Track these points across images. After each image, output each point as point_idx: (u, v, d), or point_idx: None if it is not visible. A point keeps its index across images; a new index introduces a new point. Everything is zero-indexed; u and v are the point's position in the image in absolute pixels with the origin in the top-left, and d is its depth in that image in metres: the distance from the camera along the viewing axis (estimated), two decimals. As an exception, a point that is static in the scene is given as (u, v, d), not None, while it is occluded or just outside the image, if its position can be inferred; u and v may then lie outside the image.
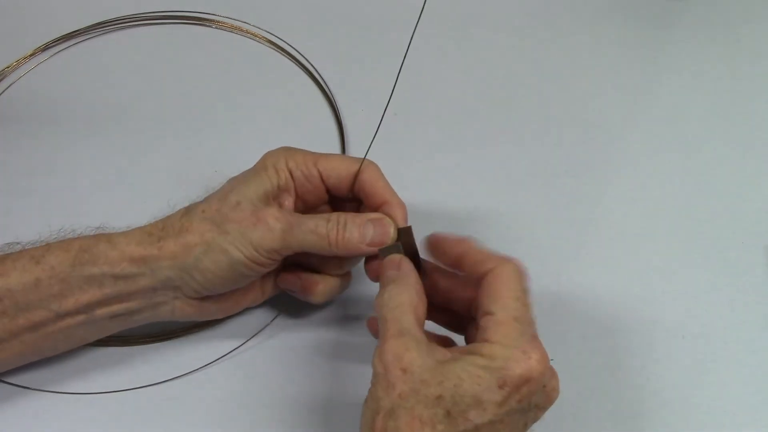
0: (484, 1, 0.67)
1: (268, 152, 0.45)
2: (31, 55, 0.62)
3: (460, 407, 0.35)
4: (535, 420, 0.38)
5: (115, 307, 0.42)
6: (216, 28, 0.64)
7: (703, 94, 0.61)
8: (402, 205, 0.44)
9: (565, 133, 0.59)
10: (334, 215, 0.43)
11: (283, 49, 0.63)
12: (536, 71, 0.62)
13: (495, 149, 0.57)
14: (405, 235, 0.43)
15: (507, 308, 0.37)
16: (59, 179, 0.55)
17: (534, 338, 0.37)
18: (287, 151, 0.45)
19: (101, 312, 0.42)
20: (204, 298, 0.44)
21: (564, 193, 0.56)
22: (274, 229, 0.41)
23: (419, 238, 0.43)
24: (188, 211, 0.43)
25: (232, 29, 0.64)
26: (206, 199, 0.43)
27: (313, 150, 0.53)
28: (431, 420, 0.35)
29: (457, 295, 0.42)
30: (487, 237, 0.51)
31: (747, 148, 0.58)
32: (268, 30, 0.64)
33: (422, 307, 0.39)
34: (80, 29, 0.63)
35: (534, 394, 0.37)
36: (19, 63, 0.61)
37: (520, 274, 0.39)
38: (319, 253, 0.43)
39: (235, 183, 0.43)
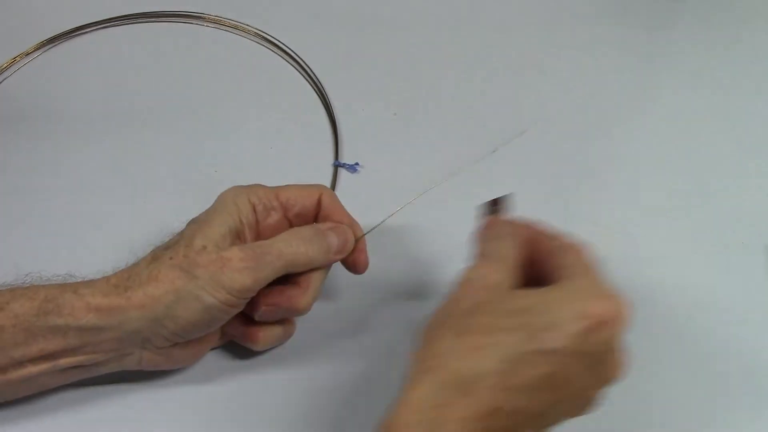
0: (483, 0, 0.67)
1: (227, 190, 0.45)
2: (25, 54, 0.62)
3: (536, 326, 0.34)
4: (587, 397, 0.37)
5: (81, 358, 0.42)
6: (211, 26, 0.64)
7: (703, 94, 0.61)
8: (359, 225, 0.46)
9: (564, 133, 0.59)
10: (294, 232, 0.43)
11: (277, 47, 0.63)
12: (536, 71, 0.62)
13: (495, 149, 0.57)
14: (501, 203, 0.44)
15: (588, 263, 0.38)
16: (57, 179, 0.55)
17: (616, 291, 0.36)
18: (247, 186, 0.45)
19: (65, 361, 0.42)
20: (172, 346, 0.43)
21: (564, 193, 0.56)
22: (243, 269, 0.41)
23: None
24: (155, 258, 0.42)
25: (227, 27, 0.64)
26: (171, 246, 0.42)
27: (307, 148, 0.53)
28: (502, 329, 0.34)
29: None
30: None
31: (747, 148, 0.58)
32: (263, 29, 0.64)
33: (518, 267, 0.39)
34: (72, 28, 0.63)
35: (609, 343, 0.35)
36: (15, 61, 0.61)
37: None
38: (290, 272, 0.43)
39: (199, 226, 0.43)
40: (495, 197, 0.43)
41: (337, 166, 0.57)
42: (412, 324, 0.47)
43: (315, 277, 0.44)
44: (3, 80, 0.61)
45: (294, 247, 0.42)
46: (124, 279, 0.41)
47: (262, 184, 0.46)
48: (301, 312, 0.44)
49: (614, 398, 0.46)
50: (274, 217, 0.45)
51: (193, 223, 0.43)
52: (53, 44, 0.63)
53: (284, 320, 0.46)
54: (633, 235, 0.53)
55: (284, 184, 0.46)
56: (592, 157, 0.57)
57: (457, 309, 0.36)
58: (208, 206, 0.45)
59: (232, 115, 0.59)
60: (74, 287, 0.41)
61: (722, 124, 0.59)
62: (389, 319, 0.49)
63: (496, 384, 0.33)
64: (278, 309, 0.44)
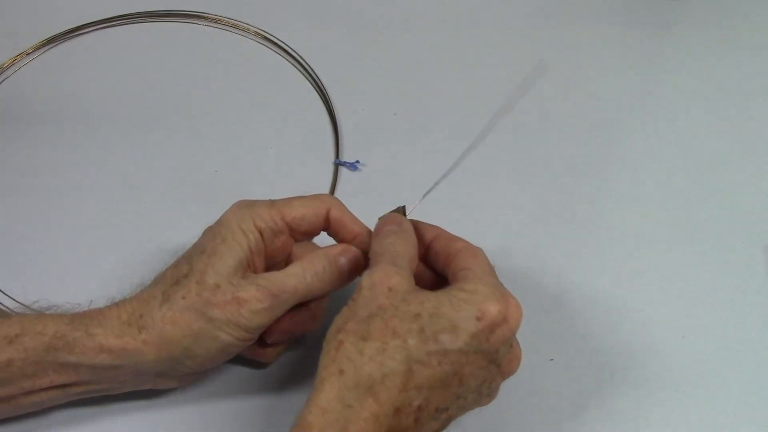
0: (483, 0, 0.67)
1: (230, 213, 0.43)
2: (24, 54, 0.62)
3: (435, 328, 0.36)
4: (489, 388, 0.39)
5: (93, 387, 0.42)
6: (212, 26, 0.64)
7: (703, 94, 0.61)
8: (371, 232, 0.45)
9: (564, 132, 0.59)
10: (308, 264, 0.42)
11: (278, 47, 0.63)
12: (536, 71, 0.62)
13: (494, 149, 0.57)
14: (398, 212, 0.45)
15: (483, 266, 0.40)
16: (57, 179, 0.55)
17: (508, 293, 0.39)
18: (250, 208, 0.43)
19: (77, 389, 0.42)
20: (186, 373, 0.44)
21: (563, 193, 0.56)
22: (260, 310, 0.41)
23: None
24: (167, 298, 0.41)
25: (228, 26, 0.64)
26: (181, 281, 0.41)
27: (307, 148, 0.52)
28: (403, 332, 0.36)
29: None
30: (487, 236, 0.51)
31: (747, 148, 0.58)
32: (264, 28, 0.64)
33: (415, 263, 0.41)
34: (72, 28, 0.63)
35: (504, 342, 0.38)
36: (15, 61, 0.61)
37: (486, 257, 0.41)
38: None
39: (208, 258, 0.41)
40: (391, 209, 0.45)
41: (338, 164, 0.57)
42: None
43: (325, 300, 0.45)
44: (3, 80, 0.61)
45: (308, 281, 0.42)
46: (137, 317, 0.41)
47: (266, 200, 0.44)
48: (312, 331, 0.45)
49: (615, 398, 0.47)
50: (281, 239, 0.44)
51: (202, 254, 0.42)
52: (53, 44, 0.63)
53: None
54: (633, 235, 0.53)
55: (287, 199, 0.44)
56: (592, 157, 0.57)
57: (360, 314, 0.38)
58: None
59: (232, 115, 0.59)
60: (85, 325, 0.41)
61: (722, 124, 0.59)
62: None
63: (401, 384, 0.36)
64: (291, 333, 0.45)
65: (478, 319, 0.37)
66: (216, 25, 0.64)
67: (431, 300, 0.37)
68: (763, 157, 0.57)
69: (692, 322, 0.49)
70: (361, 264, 0.44)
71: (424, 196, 0.48)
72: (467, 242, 0.42)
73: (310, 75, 0.61)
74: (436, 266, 0.43)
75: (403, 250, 0.41)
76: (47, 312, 0.43)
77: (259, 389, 0.46)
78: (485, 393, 0.39)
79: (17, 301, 0.49)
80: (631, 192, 0.55)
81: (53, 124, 0.58)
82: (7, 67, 0.61)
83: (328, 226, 0.44)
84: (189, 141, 0.57)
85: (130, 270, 0.50)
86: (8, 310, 0.49)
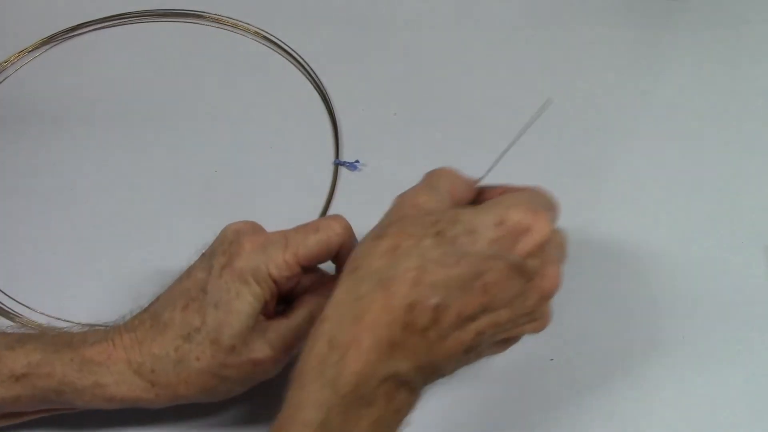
0: (484, 1, 0.67)
1: (244, 260, 0.40)
2: (24, 53, 0.62)
3: (453, 232, 0.35)
4: (525, 306, 0.36)
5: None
6: (212, 25, 0.64)
7: (703, 94, 0.61)
8: None
9: (564, 132, 0.59)
10: (314, 306, 0.41)
11: (278, 46, 0.63)
12: (536, 71, 0.62)
13: (493, 148, 0.57)
14: None
15: (526, 192, 0.38)
16: (57, 178, 0.55)
17: (551, 209, 0.37)
18: (264, 253, 0.40)
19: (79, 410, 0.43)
20: None
21: (563, 193, 0.55)
22: (274, 367, 0.41)
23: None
24: (180, 359, 0.40)
25: (228, 26, 0.64)
26: (194, 339, 0.40)
27: (307, 147, 0.52)
28: (419, 234, 0.35)
29: None
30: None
31: (747, 148, 0.58)
32: (264, 28, 0.64)
33: (458, 197, 0.40)
34: (71, 27, 0.63)
35: (531, 254, 0.35)
36: (14, 60, 0.61)
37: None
38: None
39: (224, 315, 0.40)
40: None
41: (338, 164, 0.57)
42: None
43: None
44: (3, 79, 0.60)
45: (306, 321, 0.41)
46: (148, 370, 0.40)
47: (279, 237, 0.41)
48: None
49: (615, 398, 0.47)
50: (294, 281, 0.42)
51: (215, 308, 0.40)
52: (52, 43, 0.63)
53: None
54: (632, 234, 0.53)
55: (302, 235, 0.41)
56: (591, 157, 0.57)
57: (381, 223, 0.38)
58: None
59: (232, 115, 0.59)
60: (92, 371, 0.40)
61: (722, 124, 0.59)
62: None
63: (412, 279, 0.34)
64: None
65: (497, 224, 0.35)
66: (216, 25, 0.64)
67: (453, 210, 0.37)
68: (763, 157, 0.57)
69: (692, 322, 0.49)
70: None
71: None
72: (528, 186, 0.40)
73: (310, 75, 0.61)
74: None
75: (447, 180, 0.40)
76: (50, 338, 0.42)
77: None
78: (522, 311, 0.36)
79: (17, 301, 0.49)
80: (630, 192, 0.55)
81: (53, 123, 0.58)
82: (7, 66, 0.61)
83: (336, 257, 0.43)
84: (189, 141, 0.57)
85: (130, 270, 0.51)
86: (8, 309, 0.49)
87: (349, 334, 0.34)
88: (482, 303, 0.35)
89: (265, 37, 0.63)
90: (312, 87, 0.61)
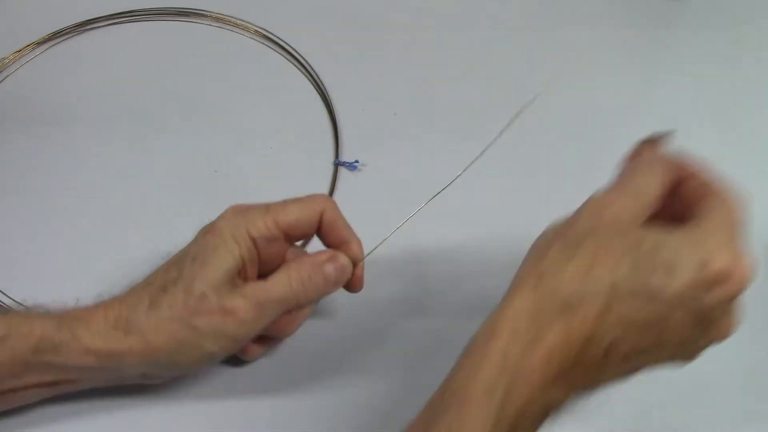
0: (484, 0, 0.67)
1: (224, 220, 0.42)
2: (26, 51, 0.62)
3: (650, 264, 0.32)
4: (690, 350, 0.35)
5: (81, 384, 0.43)
6: (213, 24, 0.64)
7: (703, 94, 0.61)
8: (359, 241, 0.44)
9: (564, 132, 0.59)
10: (293, 272, 0.42)
11: (279, 46, 0.63)
12: (536, 71, 0.62)
13: (494, 149, 0.57)
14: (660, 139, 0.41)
15: (730, 214, 0.35)
16: (56, 177, 0.55)
17: (745, 252, 0.34)
18: (244, 216, 0.42)
19: (63, 387, 0.42)
20: None
21: (563, 193, 0.55)
22: (246, 321, 0.41)
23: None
24: (153, 305, 0.40)
25: (229, 25, 0.64)
26: (169, 287, 0.41)
27: (307, 147, 0.52)
28: (614, 261, 0.32)
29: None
30: (486, 236, 0.51)
31: (747, 148, 0.58)
32: (265, 27, 0.64)
33: (651, 198, 0.36)
34: (72, 26, 0.63)
35: (720, 302, 0.33)
36: (15, 57, 0.61)
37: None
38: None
39: (199, 267, 0.41)
40: (656, 133, 0.41)
41: (338, 164, 0.57)
42: (411, 340, 0.48)
43: (308, 308, 0.44)
44: (3, 78, 0.60)
45: (294, 289, 0.42)
46: (123, 321, 0.40)
47: (261, 205, 0.43)
48: (288, 336, 0.45)
49: (615, 398, 0.47)
50: (276, 245, 0.43)
51: (193, 261, 0.41)
52: (52, 42, 0.63)
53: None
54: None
55: (282, 203, 0.44)
56: (591, 157, 0.57)
57: (572, 229, 0.35)
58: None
59: (232, 115, 0.59)
60: (72, 327, 0.40)
61: (722, 124, 0.59)
62: (388, 335, 0.49)
63: (597, 312, 0.32)
64: (270, 342, 0.45)
65: (699, 267, 0.32)
66: (216, 24, 0.64)
67: (653, 235, 0.33)
68: (763, 157, 0.57)
69: (692, 322, 0.49)
70: (348, 272, 0.43)
71: (432, 198, 0.47)
72: (724, 186, 0.37)
73: (310, 75, 0.61)
74: (679, 204, 0.37)
75: (644, 182, 0.36)
76: (35, 311, 0.43)
77: (243, 388, 0.46)
78: (683, 355, 0.36)
79: (17, 301, 0.49)
80: (631, 192, 0.55)
81: (53, 123, 0.58)
82: (9, 64, 0.61)
83: (319, 228, 0.44)
84: (189, 141, 0.57)
85: (129, 270, 0.50)
86: (7, 309, 0.49)
87: (523, 359, 0.32)
88: (653, 343, 0.34)
89: (265, 37, 0.63)
90: (312, 87, 0.61)
